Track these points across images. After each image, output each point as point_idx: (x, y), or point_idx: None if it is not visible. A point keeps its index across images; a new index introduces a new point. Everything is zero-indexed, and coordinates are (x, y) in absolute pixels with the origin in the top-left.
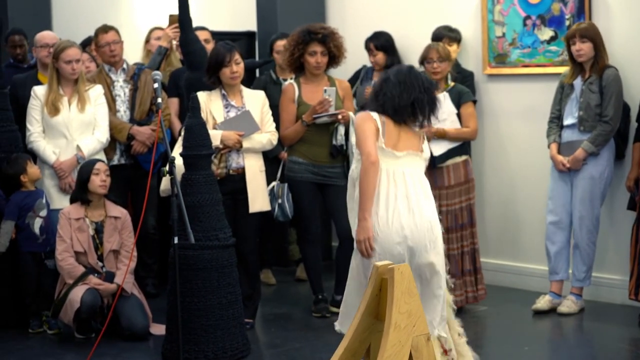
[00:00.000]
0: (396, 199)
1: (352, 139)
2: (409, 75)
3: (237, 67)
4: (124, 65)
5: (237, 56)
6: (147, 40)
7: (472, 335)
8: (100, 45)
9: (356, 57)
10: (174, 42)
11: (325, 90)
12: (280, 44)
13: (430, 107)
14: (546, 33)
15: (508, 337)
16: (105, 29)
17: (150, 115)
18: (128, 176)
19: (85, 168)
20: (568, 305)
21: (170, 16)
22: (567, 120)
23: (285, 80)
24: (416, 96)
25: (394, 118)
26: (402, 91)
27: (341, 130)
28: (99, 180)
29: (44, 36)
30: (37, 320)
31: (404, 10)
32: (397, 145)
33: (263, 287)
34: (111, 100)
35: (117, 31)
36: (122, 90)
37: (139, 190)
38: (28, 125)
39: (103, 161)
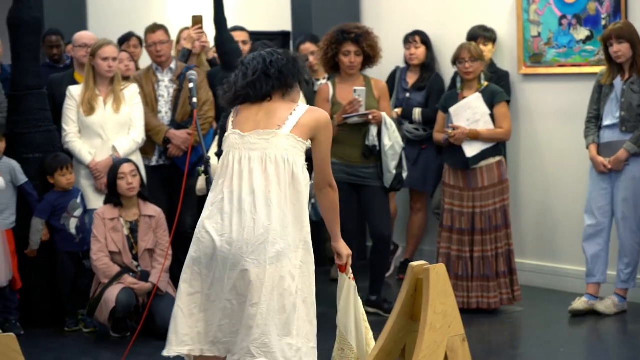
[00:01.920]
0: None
1: (385, 139)
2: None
3: None
4: (172, 65)
5: None
6: (178, 41)
7: (508, 336)
8: (148, 45)
9: (391, 57)
10: (200, 43)
11: (355, 91)
12: (305, 47)
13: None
14: (582, 33)
15: (544, 338)
16: (153, 28)
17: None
18: (166, 177)
19: (111, 172)
20: (607, 305)
21: (194, 17)
22: (607, 121)
23: (317, 80)
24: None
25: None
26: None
27: (373, 130)
28: (125, 184)
29: (83, 36)
30: (73, 319)
31: (439, 10)
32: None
33: None
34: (154, 100)
35: (166, 30)
36: (166, 90)
37: (177, 190)
38: (64, 126)
39: (130, 161)
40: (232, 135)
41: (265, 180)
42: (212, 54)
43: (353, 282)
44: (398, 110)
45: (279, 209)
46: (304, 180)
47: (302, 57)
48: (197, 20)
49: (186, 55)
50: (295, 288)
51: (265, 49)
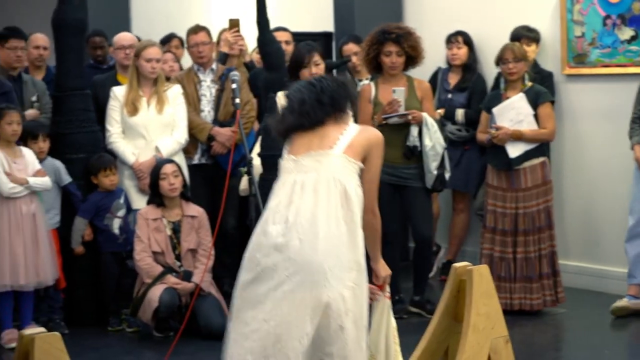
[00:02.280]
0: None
1: (426, 140)
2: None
3: (316, 68)
4: (213, 66)
5: (316, 57)
6: (218, 42)
7: (551, 338)
8: (190, 46)
9: (433, 57)
10: (237, 46)
11: (394, 91)
12: (348, 47)
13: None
14: (626, 32)
15: (587, 340)
16: (195, 29)
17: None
18: (209, 176)
19: (154, 172)
20: None
21: (231, 20)
22: None
23: (360, 80)
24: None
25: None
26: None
27: (414, 131)
28: (167, 185)
29: (121, 38)
30: (117, 318)
31: (482, 10)
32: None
33: None
34: (196, 99)
35: (208, 32)
36: (208, 90)
37: (219, 190)
38: (107, 126)
39: (173, 161)
40: (286, 161)
41: (315, 201)
42: (249, 57)
43: (388, 301)
44: (441, 111)
45: (329, 229)
46: (358, 200)
47: (350, 81)
48: (234, 24)
49: (223, 59)
50: (345, 309)
51: (312, 78)
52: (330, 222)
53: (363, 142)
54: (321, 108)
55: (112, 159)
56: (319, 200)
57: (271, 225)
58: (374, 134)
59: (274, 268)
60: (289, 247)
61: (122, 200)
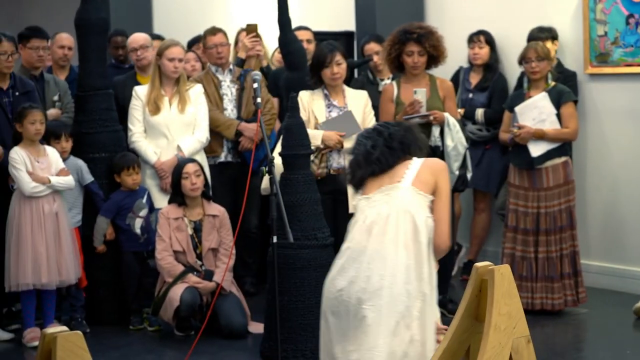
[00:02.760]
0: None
1: (448, 140)
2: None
3: (337, 68)
4: (230, 67)
5: (338, 57)
6: (236, 43)
7: (572, 338)
8: (208, 47)
9: (455, 57)
10: (254, 52)
11: (415, 92)
12: (369, 47)
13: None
14: None
15: (609, 340)
16: (213, 31)
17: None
18: (234, 174)
19: (176, 171)
20: None
21: (248, 25)
22: None
23: (382, 80)
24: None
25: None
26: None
27: (435, 131)
28: (189, 184)
29: (132, 39)
30: (138, 317)
31: (503, 9)
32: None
33: None
34: (219, 98)
35: (225, 33)
36: (229, 89)
37: (243, 189)
38: (130, 126)
39: (195, 161)
40: (360, 201)
41: (384, 232)
42: (266, 61)
43: None
44: (461, 111)
45: (397, 258)
46: (426, 231)
47: (415, 125)
48: (252, 29)
49: (240, 64)
50: (410, 337)
51: (377, 125)
52: (399, 252)
53: (427, 173)
54: (391, 154)
55: (136, 158)
56: (389, 231)
57: (346, 259)
58: (437, 163)
59: (348, 301)
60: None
61: (144, 200)
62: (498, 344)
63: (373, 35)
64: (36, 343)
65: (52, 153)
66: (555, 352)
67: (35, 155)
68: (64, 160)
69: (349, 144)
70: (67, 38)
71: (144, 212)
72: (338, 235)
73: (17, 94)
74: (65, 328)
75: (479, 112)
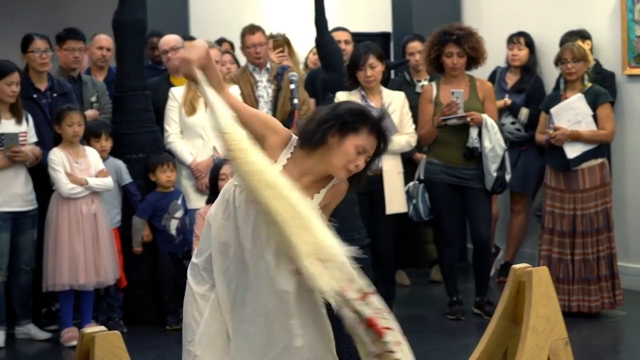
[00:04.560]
0: None
1: (486, 141)
2: None
3: (371, 71)
4: (268, 66)
5: (372, 59)
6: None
7: (610, 340)
8: (247, 46)
9: (491, 57)
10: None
11: (452, 93)
12: (412, 45)
13: None
14: None
15: None
16: (252, 30)
17: (292, 117)
18: None
19: (213, 172)
20: None
21: (275, 41)
22: None
23: (419, 81)
24: None
25: None
26: None
27: (473, 132)
28: None
29: (163, 42)
30: (175, 317)
31: (541, 10)
32: None
33: (397, 288)
34: (254, 100)
35: (263, 32)
36: (265, 90)
37: None
38: (166, 126)
39: None
40: None
41: None
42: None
43: None
44: (507, 100)
45: None
46: None
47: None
48: (278, 44)
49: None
50: None
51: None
52: None
53: None
54: None
55: (170, 157)
56: None
57: None
58: None
59: None
60: None
61: (179, 202)
62: (536, 346)
63: (416, 34)
64: (73, 343)
65: (91, 154)
66: (593, 355)
67: (74, 157)
68: (104, 160)
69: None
70: (105, 39)
71: (179, 214)
72: (374, 237)
73: (55, 95)
74: (103, 328)
75: (524, 112)
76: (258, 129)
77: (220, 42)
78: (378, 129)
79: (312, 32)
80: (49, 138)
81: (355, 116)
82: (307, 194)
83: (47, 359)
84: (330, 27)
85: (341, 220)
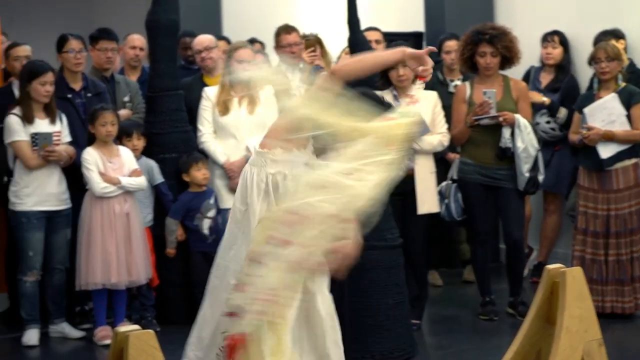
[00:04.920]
0: None
1: (518, 141)
2: None
3: (403, 70)
4: (300, 65)
5: None
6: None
7: None
8: (282, 46)
9: (526, 57)
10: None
11: (484, 93)
12: (449, 44)
13: None
14: None
15: None
16: (288, 29)
17: None
18: None
19: None
20: None
21: (307, 40)
22: None
23: (452, 81)
24: None
25: None
26: None
27: (506, 132)
28: None
29: (196, 42)
30: None
31: (574, 9)
32: None
33: (430, 288)
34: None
35: (298, 32)
36: (297, 90)
37: None
38: (199, 126)
39: None
40: None
41: None
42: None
43: None
44: (546, 100)
45: None
46: None
47: None
48: (310, 44)
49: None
50: None
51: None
52: None
53: None
54: None
55: (202, 156)
56: None
57: None
58: None
59: None
60: None
61: (212, 201)
62: (569, 347)
63: (452, 33)
64: (107, 341)
65: (125, 154)
66: (627, 356)
67: (107, 156)
68: (137, 159)
69: (416, 145)
70: (138, 39)
71: (212, 213)
72: (406, 237)
73: (89, 95)
74: (137, 327)
75: (563, 111)
76: None
77: (252, 42)
78: None
79: (344, 32)
80: (83, 138)
81: None
82: None
83: (81, 358)
84: (363, 26)
85: (374, 220)
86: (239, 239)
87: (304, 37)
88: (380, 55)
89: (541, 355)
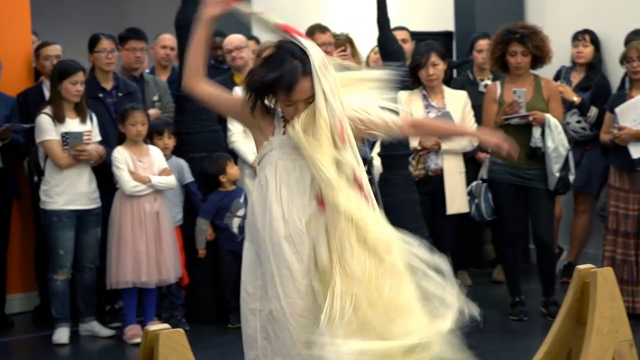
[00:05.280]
0: None
1: (548, 141)
2: None
3: (433, 69)
4: None
5: (433, 58)
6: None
7: None
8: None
9: (556, 56)
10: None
11: (514, 92)
12: (482, 43)
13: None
14: None
15: None
16: (322, 28)
17: None
18: None
19: None
20: None
21: (337, 40)
22: None
23: (482, 80)
24: None
25: None
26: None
27: (536, 132)
28: None
29: (227, 41)
30: (236, 315)
31: (605, 8)
32: None
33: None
34: None
35: (331, 33)
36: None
37: None
38: (229, 126)
39: None
40: None
41: None
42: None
43: None
44: (577, 98)
45: None
46: None
47: None
48: (340, 43)
49: None
50: None
51: None
52: None
53: None
54: None
55: (229, 156)
56: None
57: None
58: None
59: None
60: None
61: (242, 200)
62: (600, 348)
63: (484, 32)
64: (137, 340)
65: (155, 153)
66: None
67: (137, 155)
68: (167, 159)
69: (446, 145)
70: (169, 38)
71: (241, 212)
72: (435, 236)
73: (120, 94)
74: (167, 325)
75: (594, 111)
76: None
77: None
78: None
79: (374, 31)
80: (113, 137)
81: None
82: None
83: (111, 356)
84: (392, 26)
85: (404, 220)
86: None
87: (334, 36)
88: (457, 129)
89: (572, 355)
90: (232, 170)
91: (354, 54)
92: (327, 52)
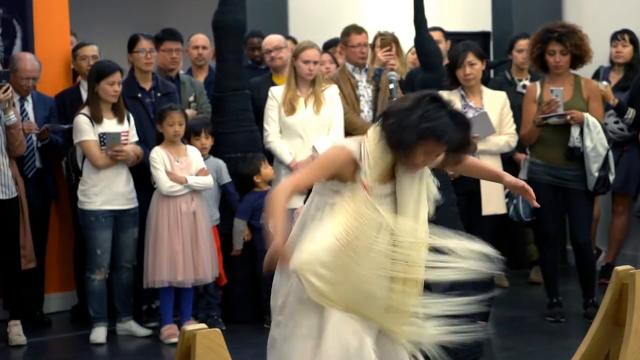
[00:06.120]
0: None
1: (587, 141)
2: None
3: (470, 68)
4: (366, 66)
5: (470, 57)
6: (372, 46)
7: None
8: (351, 45)
9: (594, 56)
10: (388, 66)
11: (552, 91)
12: (521, 42)
13: None
14: None
15: None
16: (359, 29)
17: None
18: None
19: None
20: None
21: (382, 39)
22: None
23: (520, 80)
24: None
25: None
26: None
27: (574, 131)
28: None
29: (266, 42)
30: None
31: None
32: None
33: (496, 289)
34: (355, 100)
35: (367, 33)
36: (365, 90)
37: None
38: (265, 126)
39: None
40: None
41: None
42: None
43: None
44: (615, 99)
45: None
46: None
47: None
48: (386, 42)
49: (378, 75)
50: None
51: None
52: None
53: None
54: None
55: (263, 156)
56: None
57: None
58: None
59: None
60: None
61: None
62: (639, 349)
63: (524, 32)
64: (173, 340)
65: (192, 153)
66: None
67: (175, 155)
68: (205, 159)
69: (483, 146)
70: (201, 38)
71: None
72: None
73: (158, 94)
74: (204, 325)
75: (631, 111)
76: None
77: (335, 42)
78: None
79: (411, 32)
80: (151, 137)
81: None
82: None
83: (147, 356)
84: (429, 26)
85: (440, 220)
86: None
87: (380, 35)
88: (493, 172)
89: (610, 357)
90: (266, 170)
91: (399, 53)
92: (362, 53)
